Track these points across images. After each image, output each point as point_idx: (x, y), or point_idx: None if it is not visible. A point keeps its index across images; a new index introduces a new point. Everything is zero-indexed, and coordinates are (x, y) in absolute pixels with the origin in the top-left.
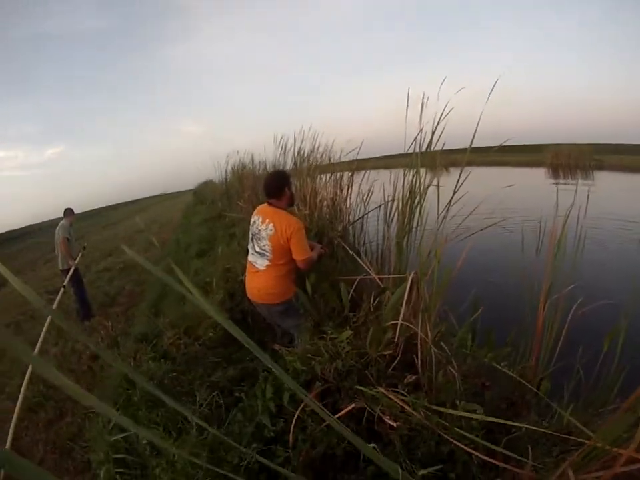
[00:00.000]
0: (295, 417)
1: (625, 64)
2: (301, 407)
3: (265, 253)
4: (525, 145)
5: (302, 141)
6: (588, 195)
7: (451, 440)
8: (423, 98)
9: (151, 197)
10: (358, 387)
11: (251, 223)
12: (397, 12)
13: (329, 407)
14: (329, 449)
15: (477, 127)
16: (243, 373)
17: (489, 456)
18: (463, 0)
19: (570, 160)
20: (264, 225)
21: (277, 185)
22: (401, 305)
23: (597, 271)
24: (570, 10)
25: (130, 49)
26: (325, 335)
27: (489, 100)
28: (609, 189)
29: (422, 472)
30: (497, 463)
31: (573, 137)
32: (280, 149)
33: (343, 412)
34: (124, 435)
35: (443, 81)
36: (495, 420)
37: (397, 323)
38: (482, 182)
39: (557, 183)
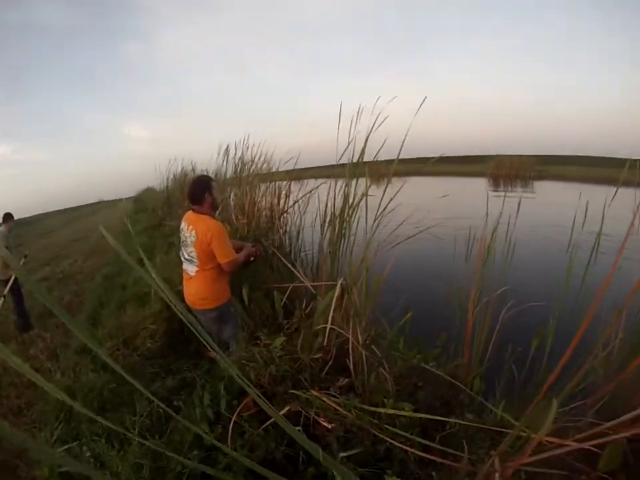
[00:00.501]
0: (232, 423)
1: (576, 76)
2: (237, 412)
3: (193, 259)
4: (470, 156)
5: (243, 150)
6: (519, 204)
7: (386, 438)
8: (359, 110)
9: (92, 204)
10: (292, 391)
11: (180, 230)
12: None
13: (264, 412)
14: (268, 453)
15: (405, 138)
16: (182, 382)
17: (425, 452)
18: (418, 13)
19: (511, 170)
20: (188, 231)
21: (197, 191)
22: (331, 311)
23: (526, 275)
24: (521, 21)
25: (88, 46)
26: (259, 342)
27: (433, 112)
28: (547, 197)
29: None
30: (433, 458)
31: (521, 149)
32: (223, 157)
33: (272, 420)
34: (67, 446)
35: (378, 98)
36: (425, 416)
37: (327, 328)
38: (422, 191)
39: (495, 192)
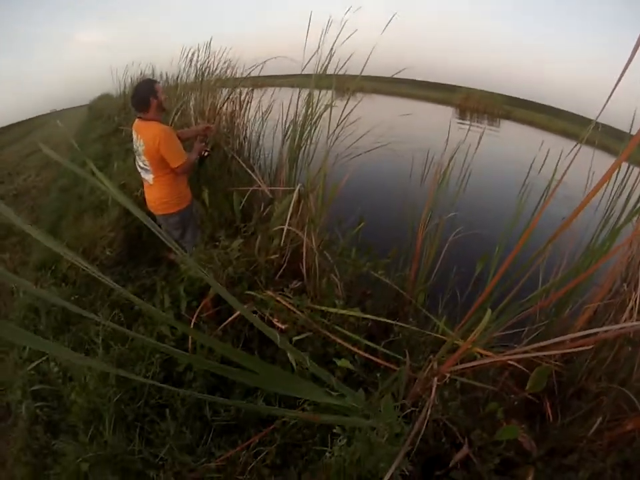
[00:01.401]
0: (192, 324)
1: (556, 30)
2: (196, 314)
3: (147, 167)
4: (439, 83)
5: (208, 55)
6: (481, 136)
7: (336, 339)
8: (328, 21)
9: (45, 115)
10: (248, 292)
11: (132, 140)
12: None
13: (222, 313)
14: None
15: (370, 53)
16: (141, 288)
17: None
18: None
19: (479, 105)
20: (138, 141)
21: (141, 97)
22: (288, 214)
23: (479, 206)
24: None
25: None
26: (217, 244)
27: (407, 31)
28: (510, 137)
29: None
30: (378, 361)
31: (491, 86)
32: (185, 62)
33: (235, 315)
34: (37, 362)
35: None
36: (373, 318)
37: (283, 230)
38: (386, 109)
39: (460, 123)
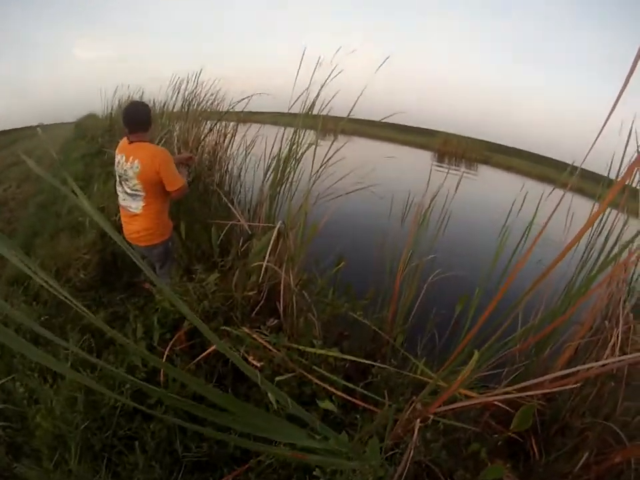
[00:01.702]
0: (165, 357)
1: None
2: (169, 346)
3: (137, 193)
4: (419, 128)
5: (195, 84)
6: (460, 179)
7: (313, 379)
8: (318, 61)
9: (29, 127)
10: (224, 327)
11: (115, 163)
12: None
13: (196, 347)
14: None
15: (359, 95)
16: (114, 315)
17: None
18: None
19: (458, 149)
20: (129, 163)
21: (143, 117)
22: (268, 251)
23: (457, 248)
24: (501, 13)
25: None
26: (193, 277)
27: (390, 77)
28: (488, 181)
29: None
30: (357, 402)
31: (469, 131)
32: (173, 89)
33: (208, 351)
34: (2, 381)
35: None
36: (353, 358)
37: (262, 266)
38: (367, 152)
39: (439, 167)
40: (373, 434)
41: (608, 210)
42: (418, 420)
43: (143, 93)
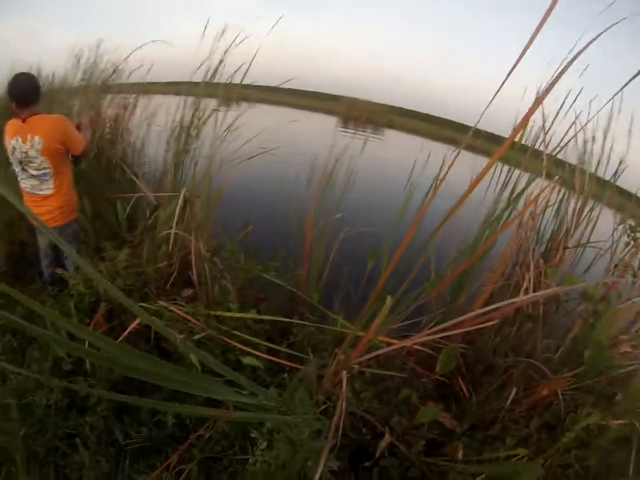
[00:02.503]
0: (87, 343)
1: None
2: (91, 327)
3: (45, 171)
4: (323, 93)
5: (95, 56)
6: (365, 142)
7: (235, 344)
8: (225, 27)
9: None
10: (140, 304)
11: (10, 151)
12: None
13: (117, 327)
14: (125, 369)
15: (251, 61)
16: (31, 309)
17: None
18: None
19: (362, 113)
20: (28, 143)
21: (32, 88)
22: (175, 219)
23: (364, 206)
24: None
25: None
26: (103, 256)
27: (293, 41)
28: (393, 143)
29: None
30: (282, 362)
31: (374, 96)
32: (72, 63)
33: (129, 329)
34: None
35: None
36: (272, 318)
37: (170, 235)
38: (271, 117)
39: (344, 132)
40: (301, 389)
41: (511, 169)
42: (344, 372)
43: (39, 68)
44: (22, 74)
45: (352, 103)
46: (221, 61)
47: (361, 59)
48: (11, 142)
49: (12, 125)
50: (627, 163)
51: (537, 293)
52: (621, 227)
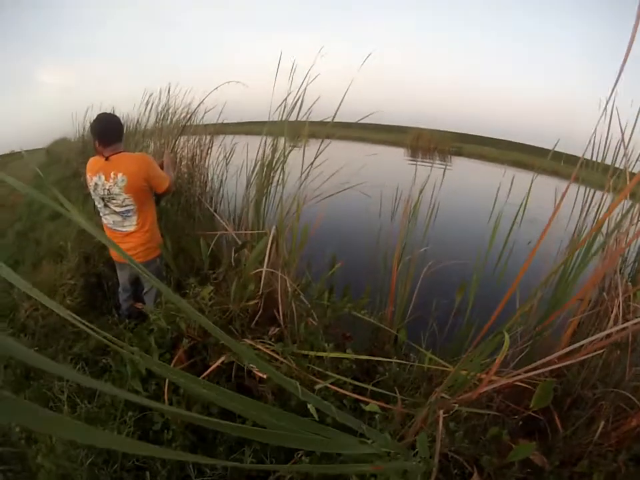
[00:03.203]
0: (167, 379)
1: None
2: (173, 364)
3: (129, 208)
4: (392, 125)
5: (168, 98)
6: (444, 171)
7: (325, 383)
8: (293, 65)
9: (2, 155)
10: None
11: (92, 187)
12: None
13: (197, 364)
14: (204, 408)
15: (341, 102)
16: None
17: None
18: None
19: (430, 143)
20: (111, 180)
21: (114, 127)
22: (263, 258)
23: (448, 238)
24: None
25: None
26: (187, 292)
27: (359, 77)
28: (464, 171)
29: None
30: (371, 401)
31: (440, 124)
32: (146, 105)
33: (212, 367)
34: None
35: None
36: (366, 357)
37: (261, 272)
38: (347, 153)
39: (414, 162)
40: (419, 430)
41: (592, 191)
42: (441, 411)
43: (114, 109)
44: (105, 113)
45: (419, 133)
46: (299, 99)
47: (424, 89)
48: (93, 179)
49: (94, 162)
50: None
51: (630, 322)
52: None
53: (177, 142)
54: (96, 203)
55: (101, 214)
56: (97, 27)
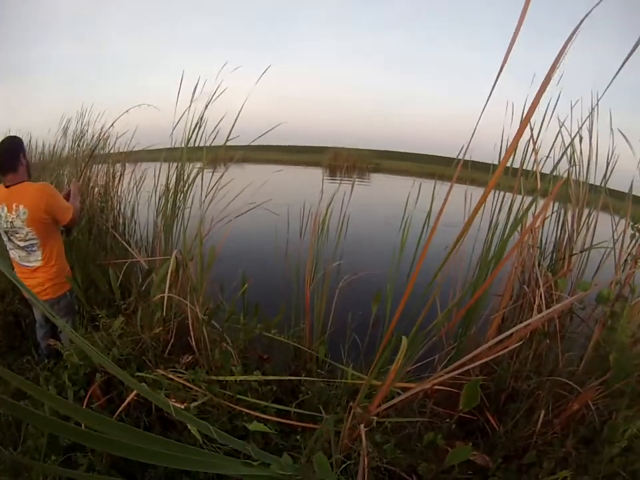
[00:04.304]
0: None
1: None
2: (85, 404)
3: (32, 241)
4: (308, 146)
5: (82, 124)
6: (352, 186)
7: (242, 409)
8: (195, 89)
9: None
10: (138, 373)
11: None
12: None
13: (114, 399)
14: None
15: (236, 119)
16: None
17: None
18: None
19: (348, 162)
20: (13, 212)
21: (11, 155)
22: (167, 282)
23: (361, 250)
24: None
25: None
26: (97, 324)
27: (275, 99)
28: (380, 186)
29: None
30: (294, 423)
31: (357, 143)
32: (61, 131)
33: (126, 402)
34: None
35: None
36: (279, 378)
37: (164, 298)
38: (257, 174)
39: (332, 180)
40: (319, 450)
41: (502, 194)
42: (362, 425)
43: (30, 136)
44: (6, 138)
45: (337, 152)
46: (197, 123)
47: (340, 107)
48: None
49: None
50: (614, 162)
51: (551, 309)
52: (621, 225)
53: (88, 169)
54: (2, 236)
55: (7, 248)
56: (19, 46)
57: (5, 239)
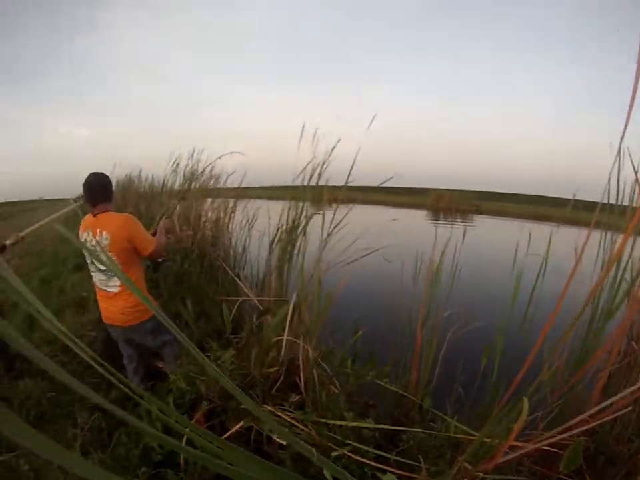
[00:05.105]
0: (185, 437)
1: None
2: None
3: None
4: (411, 188)
5: (194, 161)
6: (464, 231)
7: (346, 452)
8: (316, 132)
9: (30, 201)
10: (244, 406)
11: (83, 242)
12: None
13: (216, 427)
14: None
15: (352, 165)
16: (126, 395)
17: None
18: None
19: (450, 203)
20: (97, 237)
21: (103, 186)
22: (287, 325)
23: (472, 298)
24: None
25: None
26: (208, 354)
27: (376, 140)
28: (486, 229)
29: None
30: (391, 470)
31: (459, 184)
32: (171, 167)
33: (232, 430)
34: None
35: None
36: (388, 427)
37: (282, 340)
38: (368, 218)
39: (435, 223)
40: None
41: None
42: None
43: (140, 170)
44: (94, 173)
45: (439, 194)
46: (322, 164)
47: (441, 150)
48: (83, 235)
49: (86, 219)
50: None
51: None
52: None
53: (201, 204)
54: (87, 260)
55: (91, 271)
56: (120, 89)
57: (89, 261)
